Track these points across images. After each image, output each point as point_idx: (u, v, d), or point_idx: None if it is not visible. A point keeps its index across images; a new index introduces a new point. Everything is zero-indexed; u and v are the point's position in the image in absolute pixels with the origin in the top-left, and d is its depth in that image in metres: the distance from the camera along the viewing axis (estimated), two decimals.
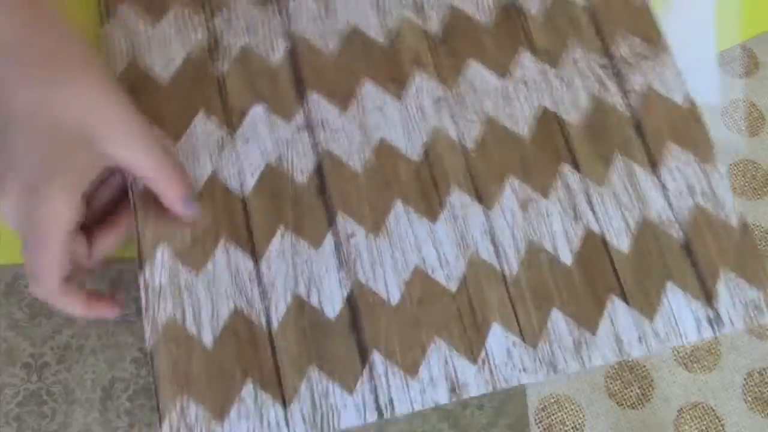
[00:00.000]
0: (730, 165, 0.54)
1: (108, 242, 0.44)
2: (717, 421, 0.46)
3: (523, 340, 0.43)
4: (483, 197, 0.46)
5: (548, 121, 0.49)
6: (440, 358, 0.43)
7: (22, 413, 0.46)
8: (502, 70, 0.50)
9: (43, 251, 0.38)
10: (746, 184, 0.54)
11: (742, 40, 0.57)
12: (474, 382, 0.42)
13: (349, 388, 0.42)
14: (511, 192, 0.47)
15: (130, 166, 0.40)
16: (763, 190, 0.52)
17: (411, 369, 0.43)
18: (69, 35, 0.39)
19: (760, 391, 0.47)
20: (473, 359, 0.43)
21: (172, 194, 0.42)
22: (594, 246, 0.46)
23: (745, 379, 0.47)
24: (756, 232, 0.50)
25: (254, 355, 0.43)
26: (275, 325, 0.43)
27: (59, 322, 0.48)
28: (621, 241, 0.46)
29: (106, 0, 0.50)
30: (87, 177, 0.39)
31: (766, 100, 0.57)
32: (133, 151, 0.40)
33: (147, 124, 0.41)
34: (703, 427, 0.46)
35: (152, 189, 0.42)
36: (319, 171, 0.47)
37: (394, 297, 0.44)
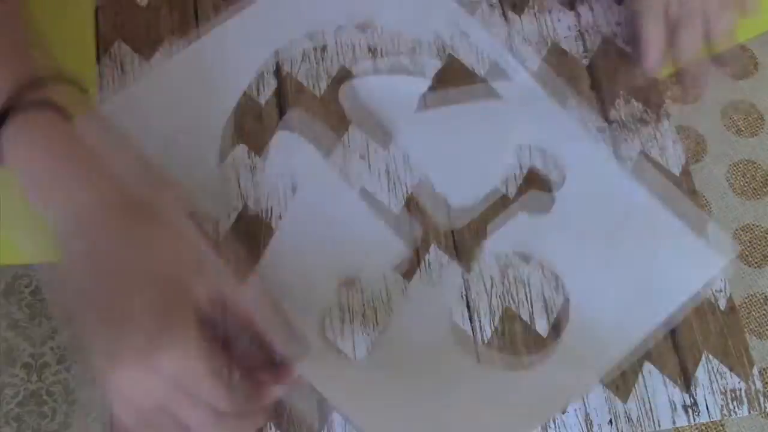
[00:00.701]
0: (730, 165, 0.54)
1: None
2: (718, 421, 0.46)
3: None
4: (462, 258, 0.45)
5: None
6: None
7: (22, 413, 0.46)
8: None
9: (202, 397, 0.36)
10: (746, 184, 0.54)
11: (742, 40, 0.57)
12: None
13: None
14: (492, 254, 0.45)
15: (227, 299, 0.38)
16: (763, 190, 0.52)
17: None
18: (142, 197, 0.38)
19: None
20: None
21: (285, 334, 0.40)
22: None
23: None
24: (756, 233, 0.50)
25: None
26: None
27: (59, 323, 0.48)
28: None
29: (103, 37, 0.50)
30: (195, 316, 0.36)
31: (766, 101, 0.57)
32: (227, 285, 0.38)
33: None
34: (704, 428, 0.46)
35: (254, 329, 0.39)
36: None
37: (360, 355, 0.43)
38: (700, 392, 0.42)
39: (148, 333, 0.35)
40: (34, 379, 0.46)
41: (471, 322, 0.43)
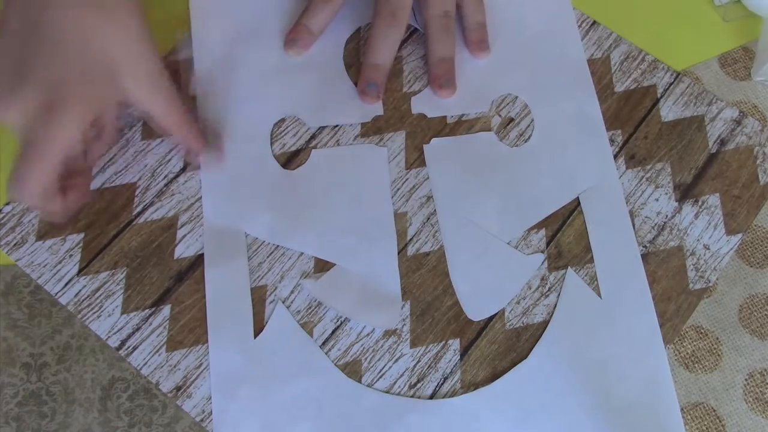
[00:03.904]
0: None
1: (100, 150, 0.48)
2: (718, 421, 0.46)
3: None
4: None
5: None
6: None
7: (22, 413, 0.46)
8: None
9: (39, 164, 0.40)
10: None
11: (744, 42, 0.57)
12: None
13: None
14: None
15: (147, 109, 0.44)
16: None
17: None
18: None
19: (761, 392, 0.47)
20: None
21: (191, 144, 0.48)
22: None
23: (746, 380, 0.47)
24: (758, 233, 0.50)
25: None
26: None
27: (59, 322, 0.48)
28: None
29: None
30: (101, 109, 0.42)
31: None
32: (152, 94, 0.43)
33: (169, 77, 0.45)
34: (704, 428, 0.45)
35: (164, 133, 0.48)
36: None
37: None
38: None
39: (50, 90, 0.39)
40: (33, 379, 0.46)
41: None
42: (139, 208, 0.50)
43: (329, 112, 0.52)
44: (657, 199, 0.50)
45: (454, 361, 0.46)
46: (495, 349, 0.47)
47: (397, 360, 0.46)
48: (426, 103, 0.53)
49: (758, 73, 0.54)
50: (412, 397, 0.45)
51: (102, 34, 0.41)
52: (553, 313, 0.47)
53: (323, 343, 0.47)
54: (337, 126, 0.52)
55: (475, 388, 0.46)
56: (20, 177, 0.40)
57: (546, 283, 0.48)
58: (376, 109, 0.52)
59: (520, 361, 0.46)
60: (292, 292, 0.48)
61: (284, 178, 0.50)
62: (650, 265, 0.49)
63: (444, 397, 0.45)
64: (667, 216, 0.50)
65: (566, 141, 0.51)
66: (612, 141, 0.52)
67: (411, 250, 0.49)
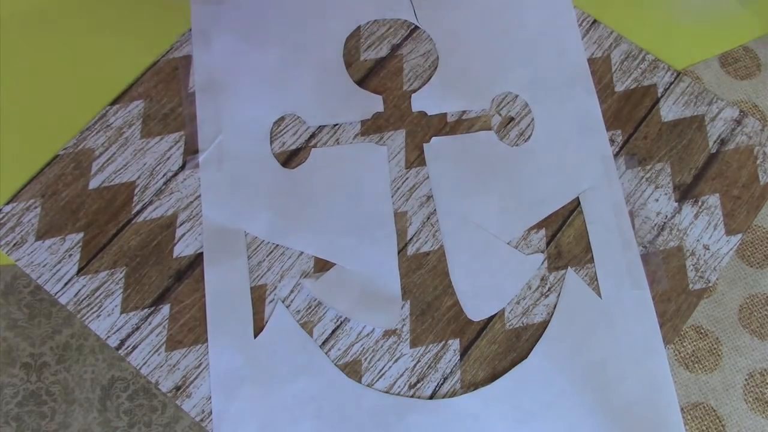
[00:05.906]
0: None
1: None
2: (718, 421, 0.46)
3: None
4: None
5: None
6: None
7: (22, 413, 0.46)
8: None
9: None
10: None
11: (744, 41, 0.57)
12: None
13: None
14: None
15: None
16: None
17: None
18: None
19: (761, 392, 0.47)
20: None
21: None
22: None
23: (746, 380, 0.47)
24: (758, 233, 0.50)
25: None
26: None
27: (59, 322, 0.47)
28: None
29: None
30: None
31: None
32: None
33: None
34: (704, 428, 0.45)
35: None
36: None
37: None
38: None
39: None
40: (33, 379, 0.46)
41: None
42: (138, 207, 0.50)
43: (329, 110, 0.52)
44: (657, 200, 0.50)
45: (454, 361, 0.46)
46: (495, 349, 0.47)
47: (397, 360, 0.46)
48: (426, 100, 0.53)
49: None
50: (412, 397, 0.45)
51: None
52: (553, 313, 0.47)
53: (323, 343, 0.47)
54: (336, 125, 0.52)
55: (475, 388, 0.46)
56: None
57: (546, 283, 0.48)
58: (377, 106, 0.52)
59: (520, 361, 0.46)
60: (291, 291, 0.48)
61: (284, 177, 0.50)
62: (650, 265, 0.48)
63: (444, 397, 0.45)
64: (667, 216, 0.50)
65: (566, 141, 0.51)
66: (612, 141, 0.52)
67: (411, 250, 0.49)
